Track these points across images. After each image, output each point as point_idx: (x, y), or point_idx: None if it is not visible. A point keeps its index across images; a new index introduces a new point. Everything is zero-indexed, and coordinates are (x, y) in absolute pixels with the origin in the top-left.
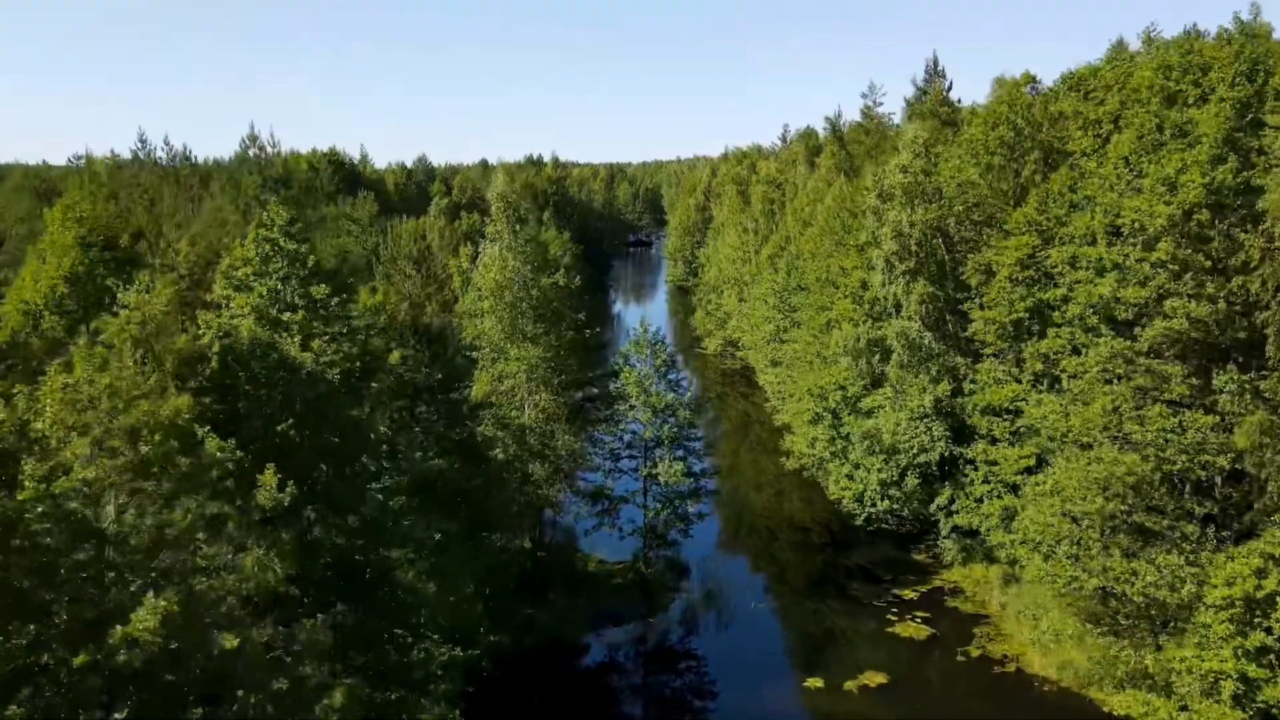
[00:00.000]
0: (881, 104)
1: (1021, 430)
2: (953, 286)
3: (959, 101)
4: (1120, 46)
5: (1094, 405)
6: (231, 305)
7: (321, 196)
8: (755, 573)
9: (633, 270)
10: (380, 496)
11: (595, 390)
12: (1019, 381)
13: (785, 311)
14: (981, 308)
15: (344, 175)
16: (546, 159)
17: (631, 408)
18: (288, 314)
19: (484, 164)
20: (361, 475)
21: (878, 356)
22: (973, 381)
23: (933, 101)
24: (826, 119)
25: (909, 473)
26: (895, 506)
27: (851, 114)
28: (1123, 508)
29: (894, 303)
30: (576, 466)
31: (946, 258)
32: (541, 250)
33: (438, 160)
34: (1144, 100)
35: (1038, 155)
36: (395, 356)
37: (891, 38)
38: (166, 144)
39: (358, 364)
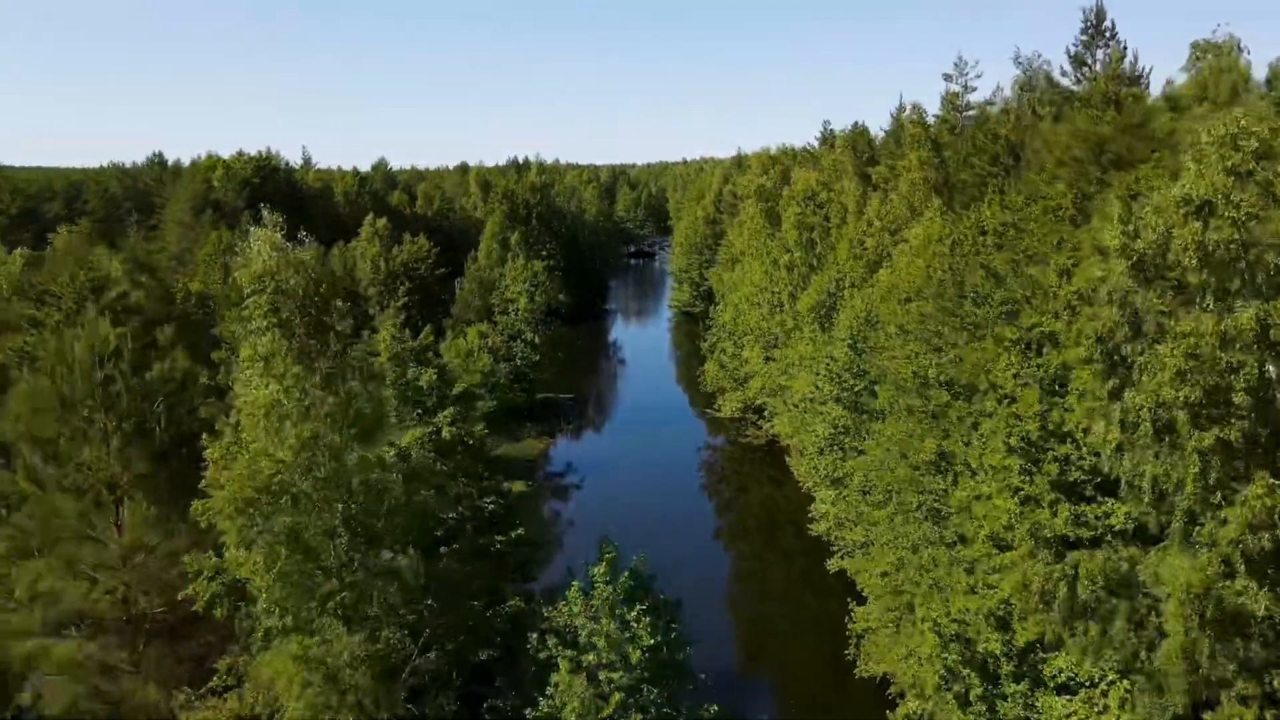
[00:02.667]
0: (975, 89)
1: None
2: None
3: (1145, 76)
4: None
5: None
6: None
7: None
8: None
9: (633, 287)
10: None
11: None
12: None
13: (851, 406)
14: None
15: (273, 185)
16: (536, 163)
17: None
18: None
19: (463, 168)
20: None
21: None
22: None
23: (1107, 78)
24: (912, 106)
25: None
26: None
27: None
28: None
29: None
30: None
31: None
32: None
33: (424, 163)
34: None
35: None
36: None
37: (914, 30)
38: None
39: None
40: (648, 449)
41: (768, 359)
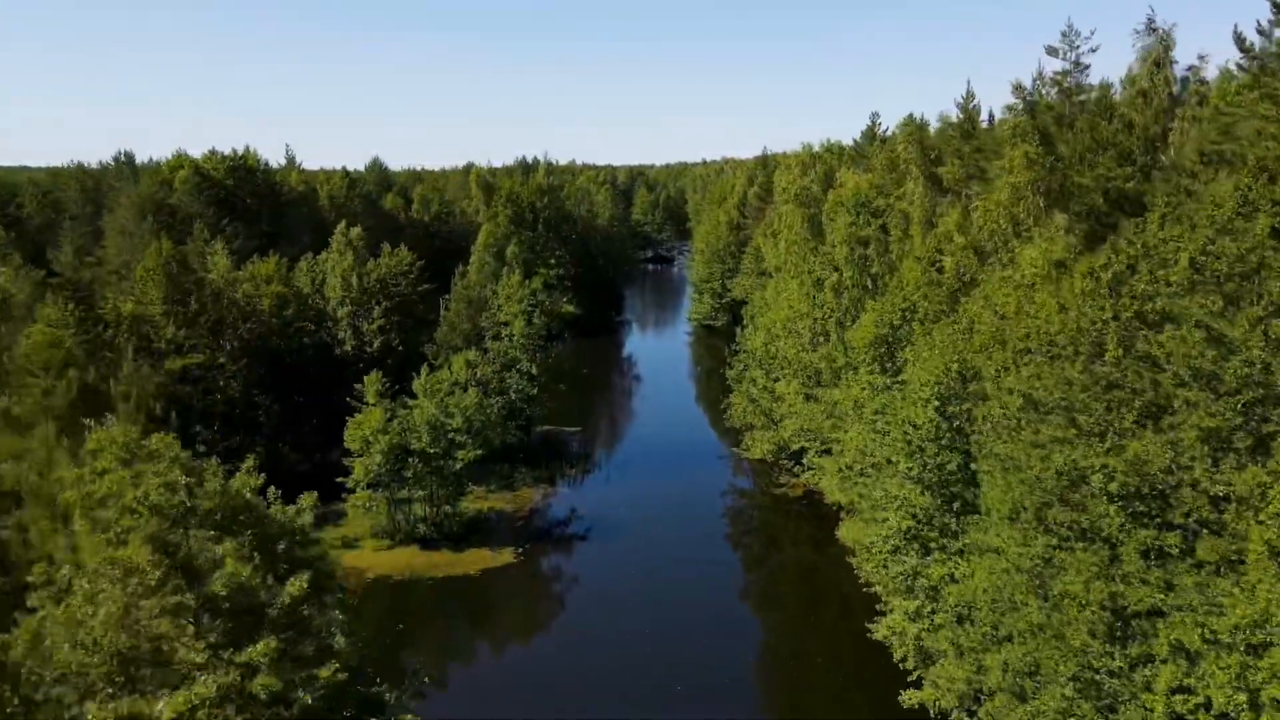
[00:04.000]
0: (1088, 66)
1: None
2: None
3: None
4: None
5: None
6: None
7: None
8: None
9: (650, 295)
10: None
11: None
12: None
13: (937, 488)
14: None
15: (250, 187)
16: (543, 163)
17: None
18: None
19: (467, 169)
20: None
21: None
22: None
23: None
24: (1015, 86)
25: None
26: None
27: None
28: None
29: None
30: None
31: None
32: None
33: (435, 165)
34: None
35: None
36: None
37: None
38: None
39: None
40: (664, 493)
41: (808, 397)
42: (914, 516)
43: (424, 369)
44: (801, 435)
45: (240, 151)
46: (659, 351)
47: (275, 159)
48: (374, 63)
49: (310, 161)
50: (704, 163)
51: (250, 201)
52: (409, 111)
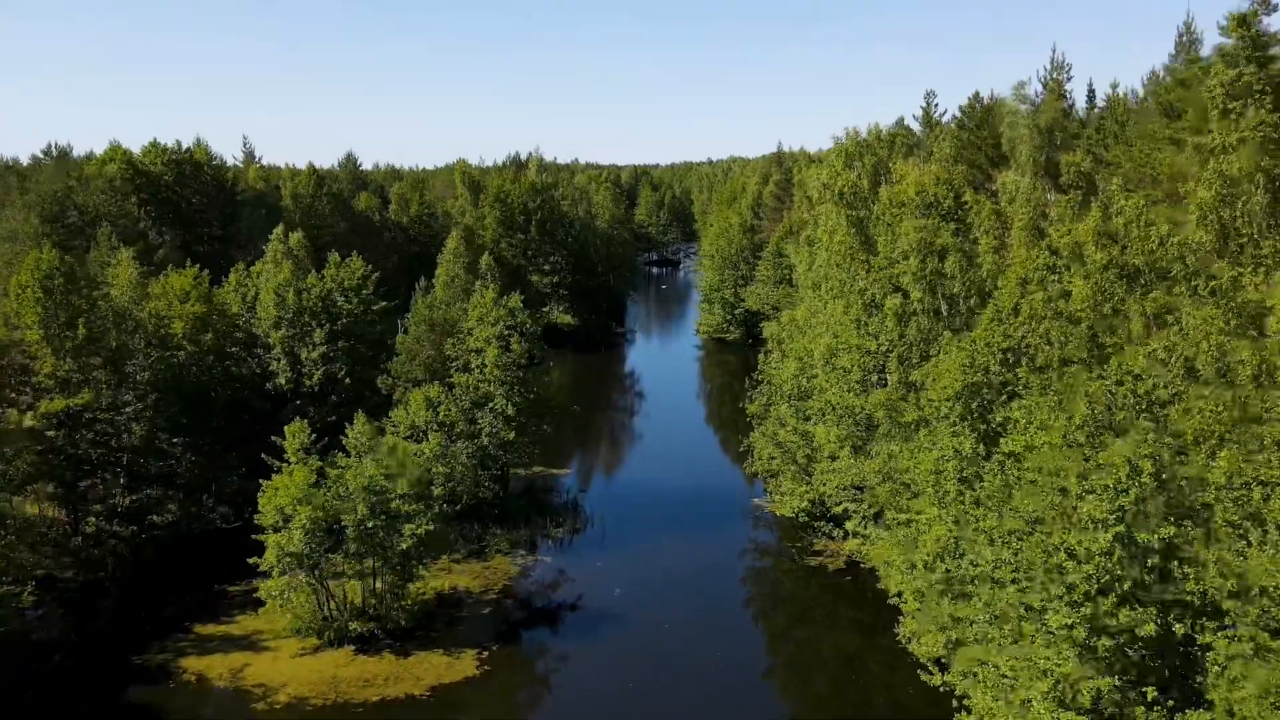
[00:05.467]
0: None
1: None
2: None
3: None
4: None
5: None
6: None
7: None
8: None
9: (655, 303)
10: None
11: None
12: None
13: (1120, 664)
14: None
15: (196, 184)
16: (536, 158)
17: None
18: None
19: (461, 166)
20: None
21: None
22: None
23: None
24: (1237, 19)
25: None
26: None
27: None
28: None
29: None
30: None
31: None
32: None
33: (430, 164)
34: None
35: None
36: None
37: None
38: None
39: None
40: (671, 557)
41: (856, 448)
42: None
43: (358, 418)
44: (845, 494)
45: (187, 144)
46: (665, 369)
47: (241, 154)
48: (357, 53)
49: (279, 158)
50: (709, 162)
51: (196, 201)
52: (395, 110)
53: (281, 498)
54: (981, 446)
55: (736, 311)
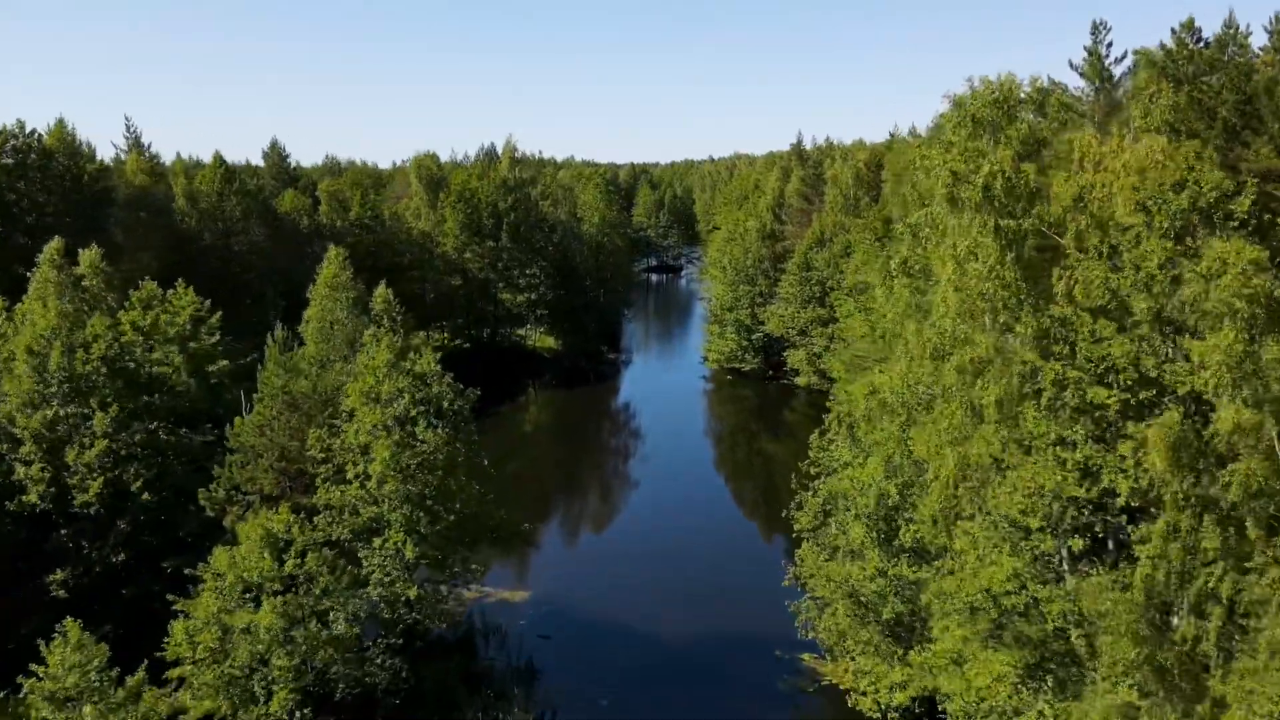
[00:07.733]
0: None
1: None
2: None
3: None
4: None
5: None
6: None
7: None
8: None
9: (654, 318)
10: None
11: None
12: None
13: None
14: None
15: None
16: (508, 149)
17: None
18: None
19: (435, 159)
20: None
21: None
22: None
23: None
24: None
25: None
26: None
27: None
28: None
29: None
30: None
31: None
32: None
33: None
34: None
35: None
36: None
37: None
38: None
39: None
40: None
41: (994, 634)
42: None
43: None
44: (973, 699)
45: (34, 125)
46: (666, 403)
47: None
48: (358, 53)
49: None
50: (711, 160)
51: (43, 200)
52: (384, 111)
53: None
54: None
55: (754, 337)
